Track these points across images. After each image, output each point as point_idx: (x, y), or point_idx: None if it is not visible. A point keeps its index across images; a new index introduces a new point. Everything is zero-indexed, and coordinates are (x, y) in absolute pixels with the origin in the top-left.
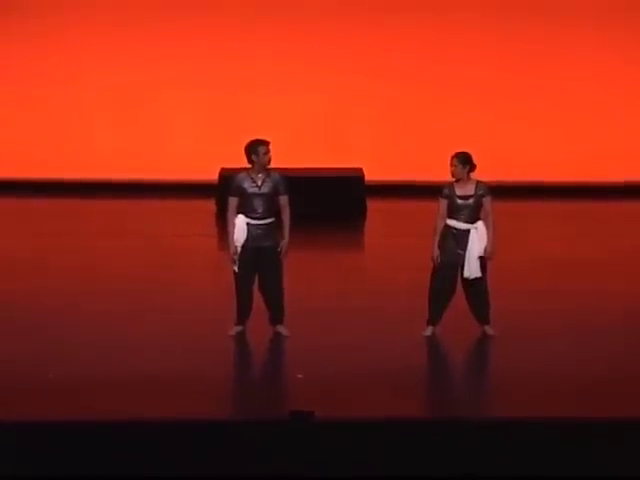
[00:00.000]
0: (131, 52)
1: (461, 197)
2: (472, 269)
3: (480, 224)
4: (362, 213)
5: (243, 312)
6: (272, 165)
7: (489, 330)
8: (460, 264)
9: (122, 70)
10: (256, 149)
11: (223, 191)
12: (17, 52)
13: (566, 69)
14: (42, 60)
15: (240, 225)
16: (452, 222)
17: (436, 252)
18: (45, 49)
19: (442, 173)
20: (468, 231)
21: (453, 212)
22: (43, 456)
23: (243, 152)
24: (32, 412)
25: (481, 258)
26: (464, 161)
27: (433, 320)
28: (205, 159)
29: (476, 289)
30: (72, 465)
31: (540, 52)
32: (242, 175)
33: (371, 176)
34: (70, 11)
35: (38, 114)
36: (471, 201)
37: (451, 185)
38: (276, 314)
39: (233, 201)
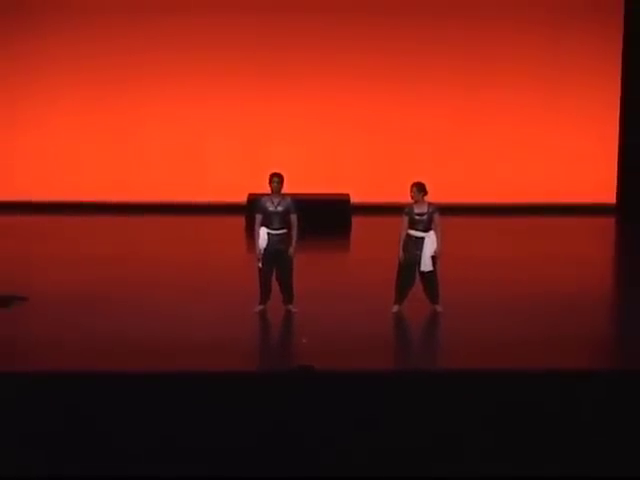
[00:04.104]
0: (184, 109)
1: (418, 214)
2: (426, 265)
3: (432, 233)
4: (348, 227)
5: (264, 295)
6: (285, 191)
7: (438, 308)
8: (418, 261)
9: (178, 122)
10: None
11: (250, 210)
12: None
13: (495, 119)
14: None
15: (262, 235)
16: (412, 232)
17: (401, 253)
18: (120, 100)
19: (405, 197)
20: (423, 238)
21: (412, 225)
22: (126, 392)
23: (266, 182)
24: (122, 364)
25: (433, 257)
26: (420, 189)
27: (399, 301)
28: (237, 187)
29: (429, 279)
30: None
31: (476, 107)
32: (264, 198)
33: (355, 199)
34: (140, 78)
35: (110, 150)
36: (425, 217)
37: (410, 206)
38: (288, 297)
39: (258, 217)
